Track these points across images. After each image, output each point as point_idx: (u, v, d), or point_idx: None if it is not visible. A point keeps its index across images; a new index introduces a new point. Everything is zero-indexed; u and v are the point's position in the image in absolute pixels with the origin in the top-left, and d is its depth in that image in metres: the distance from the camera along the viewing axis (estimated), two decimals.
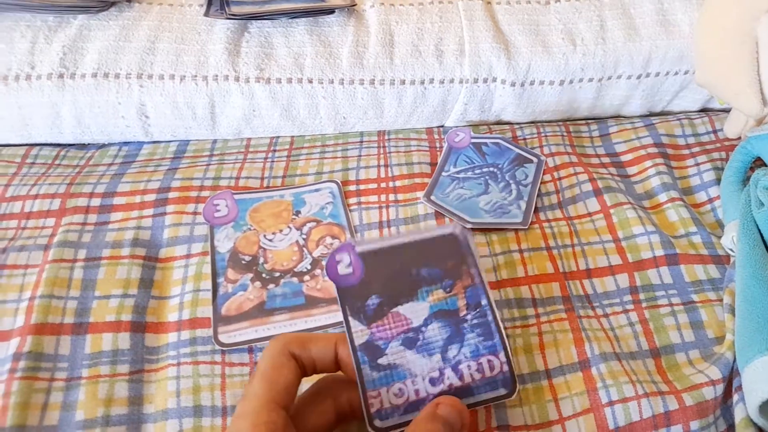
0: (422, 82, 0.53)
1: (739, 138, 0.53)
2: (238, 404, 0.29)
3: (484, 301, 0.34)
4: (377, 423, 0.31)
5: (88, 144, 0.55)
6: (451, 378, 0.32)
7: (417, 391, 0.32)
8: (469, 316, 0.33)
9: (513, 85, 0.53)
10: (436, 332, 0.33)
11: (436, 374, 0.32)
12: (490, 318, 0.33)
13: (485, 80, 0.53)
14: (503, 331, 0.34)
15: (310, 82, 0.52)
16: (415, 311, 0.33)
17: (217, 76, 0.51)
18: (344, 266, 0.32)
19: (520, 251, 0.46)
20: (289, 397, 0.29)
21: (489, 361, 0.33)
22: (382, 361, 0.31)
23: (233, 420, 0.29)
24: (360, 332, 0.31)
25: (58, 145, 0.55)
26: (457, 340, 0.33)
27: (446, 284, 0.33)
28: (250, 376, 0.39)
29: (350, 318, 0.32)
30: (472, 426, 0.37)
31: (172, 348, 0.40)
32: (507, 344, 0.33)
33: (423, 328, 0.32)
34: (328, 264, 0.32)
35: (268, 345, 0.31)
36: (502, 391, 0.33)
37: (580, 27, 0.54)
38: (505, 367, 0.33)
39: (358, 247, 0.33)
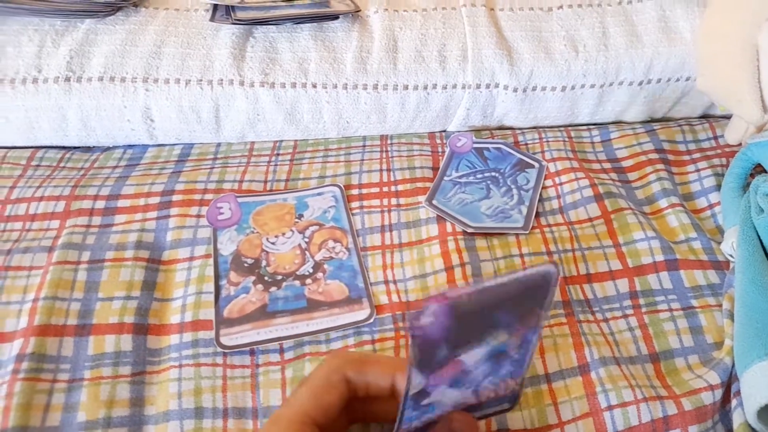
0: (425, 88, 0.53)
1: (740, 144, 0.54)
2: (280, 407, 0.29)
3: (533, 338, 0.31)
4: None
5: (93, 147, 0.55)
6: (469, 399, 0.32)
7: (439, 415, 0.31)
8: (513, 353, 0.31)
9: (515, 90, 0.54)
10: (480, 371, 0.31)
11: (460, 401, 0.31)
12: (528, 356, 0.31)
13: (488, 86, 0.54)
14: (532, 360, 0.32)
15: (314, 86, 0.52)
16: (474, 356, 0.29)
17: (222, 80, 0.51)
18: (429, 313, 0.26)
19: (521, 256, 0.46)
20: (328, 418, 0.29)
21: (506, 383, 0.32)
22: (424, 401, 0.30)
23: (268, 421, 0.29)
24: (417, 385, 0.28)
25: (63, 147, 0.55)
26: (493, 373, 0.31)
27: (512, 328, 0.29)
28: (251, 377, 0.39)
29: (414, 370, 0.27)
30: None
31: (174, 350, 0.40)
32: (527, 370, 0.32)
33: (472, 370, 0.30)
34: (416, 318, 0.26)
35: (327, 358, 0.31)
36: (506, 406, 0.33)
37: (582, 33, 0.55)
38: (517, 388, 0.33)
39: (451, 299, 0.26)
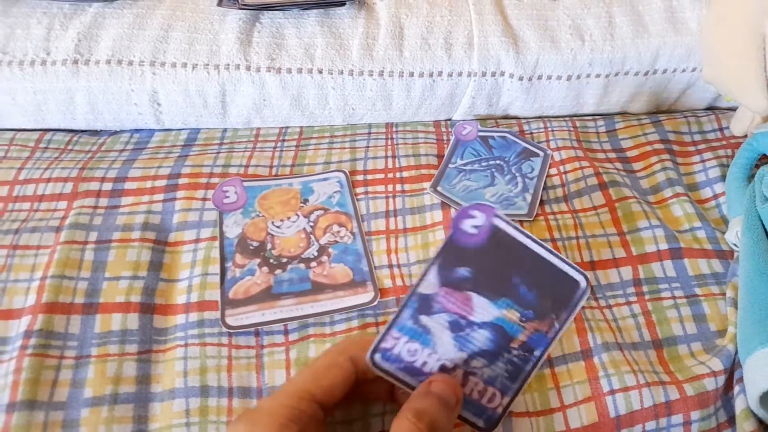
0: (431, 75, 0.53)
1: (746, 136, 0.54)
2: (284, 384, 0.30)
3: (537, 353, 0.32)
4: (377, 357, 0.31)
5: (101, 130, 0.56)
6: (458, 373, 0.32)
7: (425, 363, 0.31)
8: (515, 352, 0.32)
9: (521, 79, 0.54)
10: (480, 339, 0.31)
11: (449, 365, 0.32)
12: (528, 368, 0.32)
13: (493, 74, 0.54)
14: (527, 383, 0.33)
15: (320, 72, 0.52)
16: (483, 309, 0.31)
17: (228, 65, 0.52)
18: (472, 225, 0.31)
19: None
20: (330, 396, 0.29)
21: (494, 394, 0.32)
22: (423, 319, 0.31)
23: (270, 395, 0.30)
24: (429, 285, 0.31)
25: (71, 131, 0.55)
26: (488, 359, 0.32)
27: (526, 314, 0.31)
28: (256, 358, 0.39)
29: (433, 267, 0.31)
30: None
31: (180, 329, 0.40)
32: (518, 395, 0.32)
33: (475, 327, 0.31)
34: (460, 214, 0.30)
35: (335, 343, 0.32)
36: (480, 424, 0.33)
37: (588, 23, 0.55)
38: (500, 410, 0.33)
39: (497, 220, 0.31)
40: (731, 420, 0.38)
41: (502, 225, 0.31)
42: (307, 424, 0.28)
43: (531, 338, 0.31)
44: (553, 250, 0.31)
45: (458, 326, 0.31)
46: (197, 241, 0.45)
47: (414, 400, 0.30)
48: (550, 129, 0.56)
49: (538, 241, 0.31)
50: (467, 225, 0.30)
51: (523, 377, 0.32)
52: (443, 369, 0.32)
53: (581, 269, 0.31)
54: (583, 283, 0.31)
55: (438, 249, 0.30)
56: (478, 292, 0.31)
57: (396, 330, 0.31)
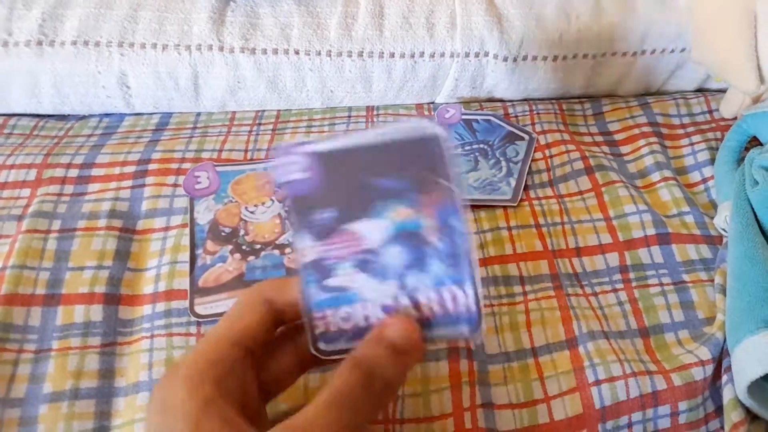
0: (412, 56, 0.51)
1: (735, 118, 0.52)
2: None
3: (455, 223, 0.28)
4: (321, 345, 0.28)
5: (68, 115, 0.53)
6: (404, 303, 0.28)
7: (367, 317, 0.28)
8: (435, 239, 0.28)
9: (505, 60, 0.52)
10: (395, 256, 0.28)
11: (389, 302, 0.28)
12: (459, 242, 0.28)
13: (477, 54, 0.52)
14: (475, 261, 0.28)
15: (297, 53, 0.50)
16: (372, 230, 0.28)
17: (200, 45, 0.49)
18: (298, 169, 0.27)
19: (509, 228, 0.45)
20: (249, 337, 0.27)
21: (452, 294, 0.28)
22: (330, 282, 0.28)
23: (187, 355, 0.27)
24: (309, 249, 0.27)
25: (37, 115, 0.53)
26: (419, 265, 0.28)
27: (413, 200, 0.28)
28: None
29: (299, 232, 0.27)
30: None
31: (147, 320, 0.39)
32: (477, 277, 0.28)
33: (380, 250, 0.28)
34: (279, 168, 0.27)
35: (244, 291, 0.29)
36: (464, 329, 0.29)
37: (575, 2, 0.53)
38: (472, 306, 0.28)
39: (314, 145, 0.27)
40: (719, 410, 0.37)
41: (324, 147, 0.27)
42: (231, 368, 0.26)
43: (438, 216, 0.28)
44: (386, 126, 0.28)
45: (365, 263, 0.28)
46: (167, 228, 0.43)
47: (364, 347, 0.27)
48: (535, 112, 0.54)
49: (369, 129, 0.28)
50: (295, 173, 0.27)
51: (465, 255, 0.28)
52: (387, 309, 0.28)
53: (427, 118, 0.28)
54: (438, 131, 0.27)
55: (289, 214, 0.27)
56: (354, 220, 0.28)
57: (316, 311, 0.28)
